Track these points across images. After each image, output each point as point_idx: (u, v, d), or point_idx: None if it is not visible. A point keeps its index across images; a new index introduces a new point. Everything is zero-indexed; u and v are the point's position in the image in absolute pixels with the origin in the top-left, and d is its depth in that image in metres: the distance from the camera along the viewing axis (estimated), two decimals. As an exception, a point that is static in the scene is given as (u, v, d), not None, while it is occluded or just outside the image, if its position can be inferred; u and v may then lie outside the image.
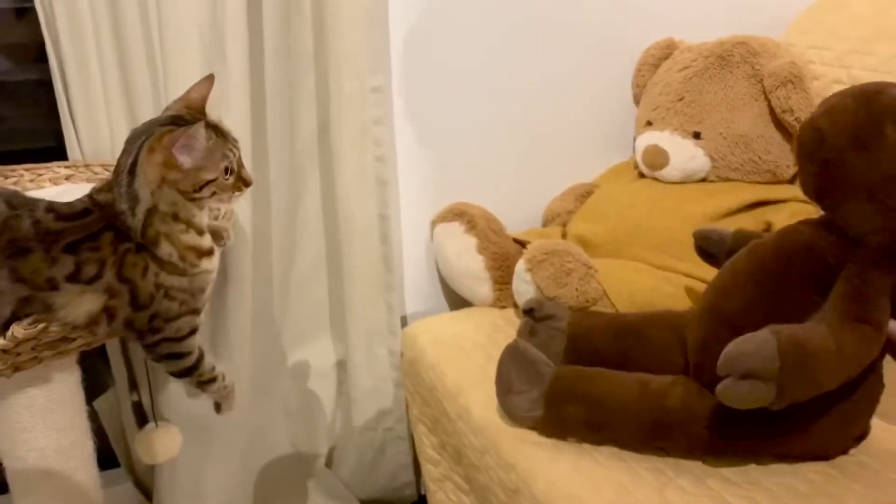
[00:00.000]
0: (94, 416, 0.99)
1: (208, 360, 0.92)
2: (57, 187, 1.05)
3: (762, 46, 1.25)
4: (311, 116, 1.21)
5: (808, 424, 0.83)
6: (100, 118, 1.08)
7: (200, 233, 0.84)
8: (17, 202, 0.78)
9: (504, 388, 0.94)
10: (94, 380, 1.24)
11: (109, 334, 0.83)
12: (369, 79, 1.16)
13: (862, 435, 0.88)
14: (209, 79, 0.87)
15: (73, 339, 0.81)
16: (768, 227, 1.18)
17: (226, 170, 0.82)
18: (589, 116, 1.43)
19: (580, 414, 0.90)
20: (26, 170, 1.05)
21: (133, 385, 1.24)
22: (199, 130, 0.77)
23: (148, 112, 1.09)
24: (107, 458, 1.22)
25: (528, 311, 1.05)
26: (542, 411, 0.91)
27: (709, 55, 1.28)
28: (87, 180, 1.07)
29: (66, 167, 1.07)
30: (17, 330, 0.73)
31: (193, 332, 0.87)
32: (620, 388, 0.90)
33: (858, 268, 0.79)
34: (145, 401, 1.22)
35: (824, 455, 0.86)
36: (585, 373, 0.94)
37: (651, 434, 0.88)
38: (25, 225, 0.76)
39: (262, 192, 1.19)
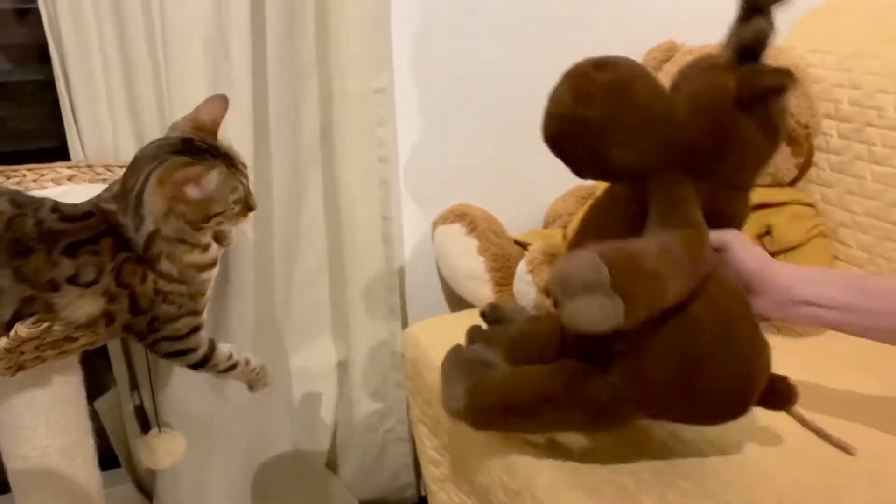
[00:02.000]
0: (94, 417, 0.99)
1: (224, 348, 0.92)
2: (59, 187, 1.05)
3: (763, 49, 1.25)
4: (315, 117, 1.21)
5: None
6: (102, 118, 1.08)
7: (205, 249, 0.84)
8: (22, 201, 0.78)
9: (446, 387, 0.92)
10: (96, 380, 1.25)
11: (111, 335, 0.83)
12: (373, 80, 1.16)
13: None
14: (223, 101, 0.85)
15: (76, 339, 0.81)
16: (769, 230, 1.19)
17: (234, 202, 0.82)
18: (590, 118, 1.42)
19: (497, 400, 0.87)
20: (29, 170, 1.05)
21: (134, 386, 1.24)
22: (214, 176, 0.77)
23: (151, 112, 1.09)
24: (107, 459, 1.21)
25: (482, 315, 1.03)
26: (464, 401, 0.88)
27: (710, 58, 1.28)
28: (90, 181, 1.07)
29: (68, 167, 1.07)
30: (21, 329, 0.73)
31: (194, 330, 0.87)
32: (532, 374, 0.87)
33: (663, 184, 0.80)
34: (147, 403, 1.23)
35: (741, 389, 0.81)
36: (503, 372, 0.92)
37: (544, 383, 0.85)
38: (29, 224, 0.76)
39: (264, 192, 1.19)
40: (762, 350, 0.81)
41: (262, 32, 1.11)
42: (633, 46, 1.38)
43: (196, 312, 0.86)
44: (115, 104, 1.08)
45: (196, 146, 0.80)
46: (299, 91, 1.19)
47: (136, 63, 1.07)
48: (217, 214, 0.80)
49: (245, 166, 0.85)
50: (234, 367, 0.94)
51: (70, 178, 1.07)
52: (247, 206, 0.85)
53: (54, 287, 0.76)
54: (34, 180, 1.05)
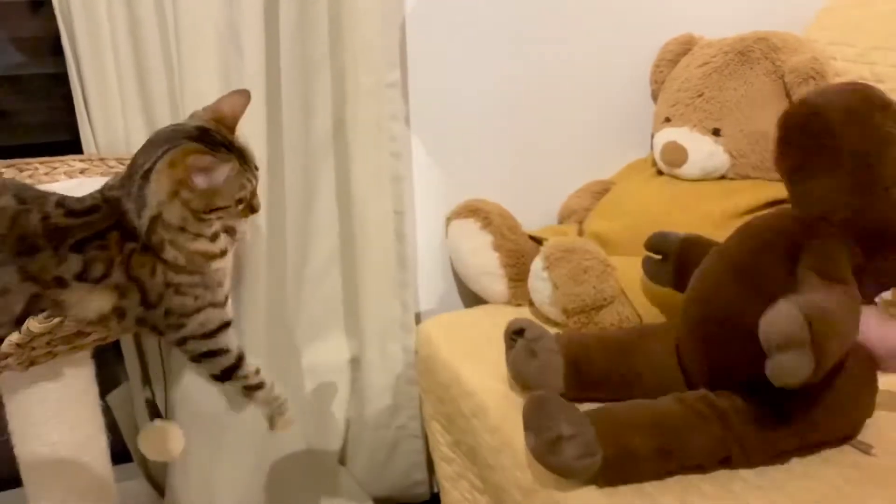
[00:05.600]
0: (107, 411, 0.99)
1: (252, 362, 0.90)
2: (71, 180, 1.05)
3: (783, 42, 1.24)
4: (327, 111, 1.20)
5: (830, 404, 0.85)
6: (114, 111, 1.07)
7: (211, 239, 0.83)
8: (27, 196, 0.77)
9: (550, 436, 0.80)
10: (108, 374, 1.24)
11: (124, 330, 0.82)
12: (386, 74, 1.15)
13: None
14: (245, 96, 0.84)
15: (88, 334, 0.80)
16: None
17: (239, 200, 0.81)
18: (606, 112, 1.41)
19: (648, 443, 0.81)
20: (41, 163, 1.05)
21: (147, 381, 1.24)
22: (226, 168, 0.77)
23: (163, 105, 1.09)
24: (119, 453, 1.21)
25: (520, 332, 0.97)
26: (601, 452, 0.80)
27: (729, 51, 1.26)
28: (102, 174, 1.06)
29: (80, 160, 1.07)
30: (33, 324, 0.73)
31: (223, 327, 0.86)
32: (672, 408, 0.85)
33: (820, 241, 0.83)
34: (159, 396, 1.22)
35: (849, 436, 0.89)
36: (619, 407, 0.87)
37: (720, 445, 0.83)
38: (34, 221, 0.75)
39: (277, 187, 1.18)
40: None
41: (274, 26, 1.10)
42: (650, 39, 1.37)
43: (217, 304, 0.84)
44: (127, 98, 1.08)
45: (213, 137, 0.80)
46: (311, 85, 1.18)
47: (148, 57, 1.06)
48: (219, 209, 0.80)
49: (257, 168, 0.85)
50: (261, 386, 0.92)
51: (82, 172, 1.06)
52: (250, 207, 0.84)
53: (62, 284, 0.75)
54: (46, 173, 1.05)
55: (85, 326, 0.78)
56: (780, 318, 0.73)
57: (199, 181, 0.76)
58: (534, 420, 0.83)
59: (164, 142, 0.78)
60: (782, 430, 0.84)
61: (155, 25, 1.05)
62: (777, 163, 0.89)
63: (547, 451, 0.80)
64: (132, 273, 0.78)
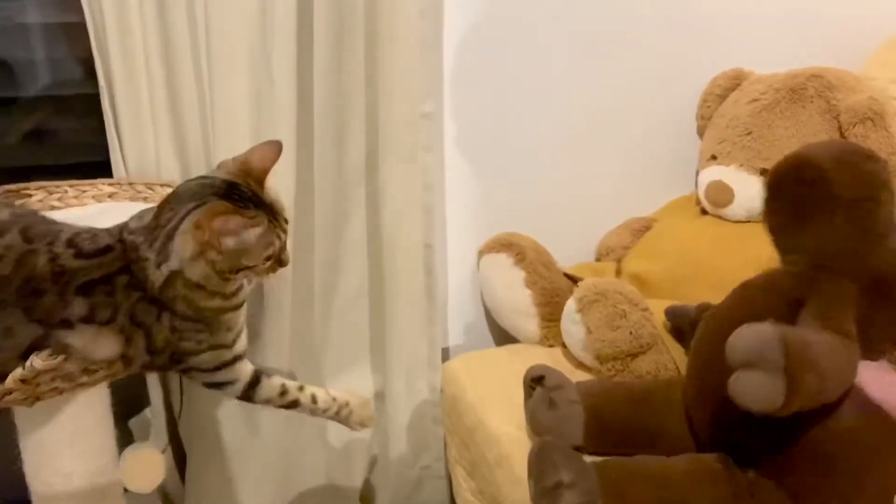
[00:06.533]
0: (128, 436, 0.96)
1: (274, 382, 0.88)
2: (99, 204, 1.05)
3: (839, 80, 1.18)
4: (360, 140, 1.18)
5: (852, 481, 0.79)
6: (146, 136, 1.07)
7: (226, 297, 0.80)
8: (35, 233, 0.75)
9: (549, 482, 0.79)
10: (130, 399, 1.23)
11: (130, 372, 0.80)
12: (420, 104, 1.13)
13: None
14: (275, 147, 0.81)
15: (95, 371, 0.78)
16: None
17: (267, 257, 0.78)
18: (649, 147, 1.37)
19: (648, 496, 0.80)
20: (70, 186, 1.05)
21: (168, 406, 1.22)
22: (255, 233, 0.74)
23: (194, 133, 1.08)
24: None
25: (539, 379, 0.95)
26: (601, 502, 0.78)
27: (780, 87, 1.21)
28: (131, 198, 1.06)
29: (109, 184, 1.06)
30: (37, 361, 0.71)
31: (226, 364, 0.83)
32: (681, 465, 0.82)
33: (824, 293, 0.80)
34: (181, 424, 1.20)
35: None
36: (628, 459, 0.86)
37: None
38: (41, 262, 0.73)
39: (306, 216, 1.16)
40: None
41: (308, 53, 1.08)
42: (697, 72, 1.33)
43: (222, 346, 0.82)
44: (158, 122, 1.07)
45: (240, 192, 0.76)
46: (346, 113, 1.16)
47: (180, 82, 1.06)
48: (247, 268, 0.77)
49: (286, 221, 0.81)
50: (296, 403, 0.89)
51: (111, 196, 1.06)
52: (278, 262, 0.81)
53: (68, 326, 0.73)
54: (75, 196, 1.05)
55: (91, 365, 0.75)
56: (749, 334, 0.71)
57: (228, 242, 0.73)
58: (535, 466, 0.83)
59: (191, 198, 0.75)
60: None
61: (188, 51, 1.04)
62: (767, 220, 0.87)
63: (544, 497, 0.80)
64: (137, 318, 0.76)
